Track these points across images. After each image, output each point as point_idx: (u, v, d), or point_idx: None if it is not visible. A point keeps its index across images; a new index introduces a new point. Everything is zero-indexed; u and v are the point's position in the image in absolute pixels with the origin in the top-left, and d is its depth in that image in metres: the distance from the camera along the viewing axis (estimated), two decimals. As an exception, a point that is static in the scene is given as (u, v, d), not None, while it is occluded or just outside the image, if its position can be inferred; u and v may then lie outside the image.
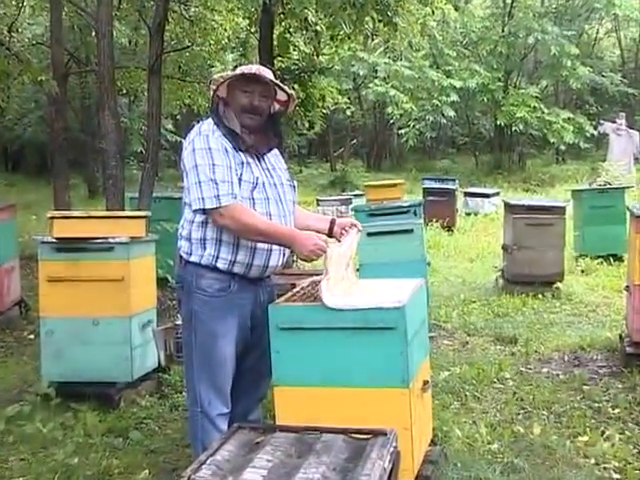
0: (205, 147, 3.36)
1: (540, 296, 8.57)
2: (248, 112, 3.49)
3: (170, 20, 12.65)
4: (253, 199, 3.43)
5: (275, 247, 3.50)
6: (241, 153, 3.43)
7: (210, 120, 3.49)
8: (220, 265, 3.43)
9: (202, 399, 3.48)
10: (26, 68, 9.71)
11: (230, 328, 3.47)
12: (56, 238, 5.31)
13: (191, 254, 3.48)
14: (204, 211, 3.36)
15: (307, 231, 3.49)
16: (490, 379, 5.73)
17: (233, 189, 3.35)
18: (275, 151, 3.66)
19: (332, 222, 3.64)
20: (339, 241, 3.56)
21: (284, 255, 3.60)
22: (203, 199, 3.32)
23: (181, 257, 3.54)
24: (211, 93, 3.53)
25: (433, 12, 12.75)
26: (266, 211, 3.46)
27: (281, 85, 3.63)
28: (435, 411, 4.70)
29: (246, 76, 3.47)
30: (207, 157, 3.34)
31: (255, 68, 3.53)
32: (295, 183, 3.78)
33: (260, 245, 3.45)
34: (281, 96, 3.63)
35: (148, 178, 8.51)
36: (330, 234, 3.61)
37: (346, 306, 3.23)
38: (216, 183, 3.31)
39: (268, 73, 3.55)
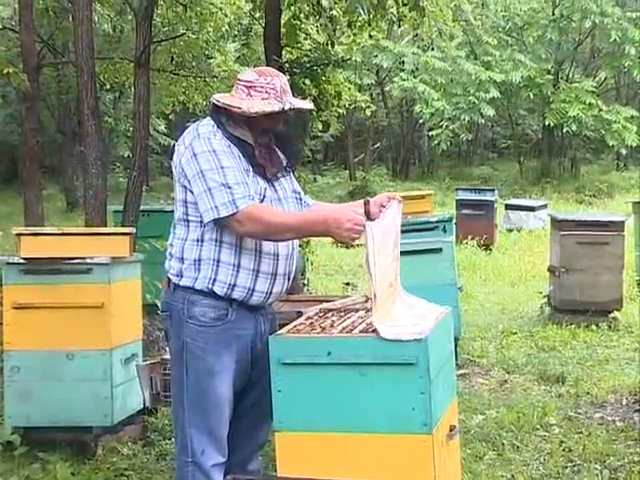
0: (209, 149, 3.40)
1: (593, 327, 8.58)
2: (266, 133, 3.58)
3: (161, 3, 12.79)
4: None
5: (280, 272, 3.54)
6: (246, 160, 3.48)
7: (208, 121, 3.53)
8: (217, 289, 3.46)
9: (194, 447, 3.49)
10: (-10, 58, 9.77)
11: (227, 363, 3.50)
12: (24, 258, 5.34)
13: (182, 277, 3.51)
14: (217, 222, 3.38)
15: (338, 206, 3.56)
16: (532, 425, 5.73)
17: (249, 191, 3.40)
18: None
19: (366, 203, 3.55)
20: None
21: (289, 280, 3.64)
22: (217, 207, 3.34)
23: (169, 280, 3.56)
24: (232, 111, 3.51)
25: (468, -7, 12.83)
26: None
27: (304, 108, 3.70)
28: (466, 462, 4.72)
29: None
30: (213, 160, 3.38)
31: (279, 83, 3.54)
32: (302, 195, 3.82)
33: (264, 268, 3.49)
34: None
35: (135, 188, 8.55)
36: (368, 217, 3.49)
37: (400, 336, 3.25)
38: (229, 187, 3.35)
39: (284, 79, 3.61)
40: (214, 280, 3.46)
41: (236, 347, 3.52)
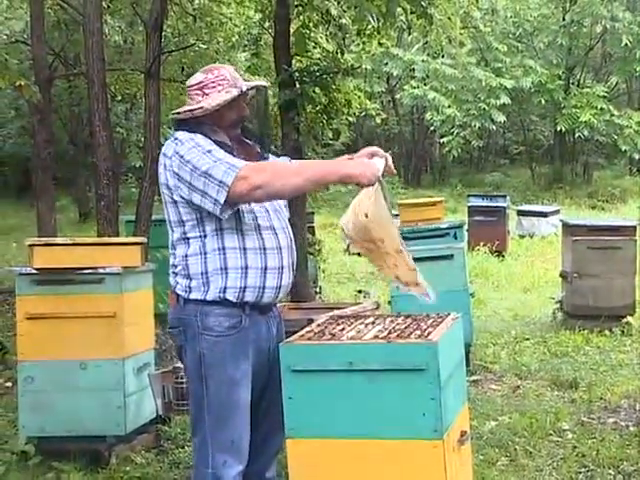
0: (193, 145, 3.40)
1: (606, 332, 8.57)
2: (236, 125, 3.61)
3: (171, 14, 12.86)
4: (254, 212, 3.50)
5: (285, 264, 3.55)
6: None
7: (182, 132, 3.51)
8: (230, 296, 3.45)
9: (215, 459, 3.46)
10: (2, 71, 9.84)
11: (246, 370, 3.50)
12: (37, 269, 5.37)
13: (191, 291, 3.49)
14: (229, 198, 3.31)
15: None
16: (545, 431, 5.73)
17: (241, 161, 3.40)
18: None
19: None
20: None
21: (293, 271, 3.65)
22: (222, 181, 3.30)
23: (178, 295, 3.53)
24: (197, 115, 3.53)
25: (477, 0, 12.83)
26: (269, 224, 3.53)
27: (259, 85, 3.78)
28: (478, 468, 4.71)
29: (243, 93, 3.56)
30: (199, 151, 3.38)
31: (228, 73, 3.58)
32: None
33: (270, 264, 3.49)
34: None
35: (146, 198, 8.60)
36: None
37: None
38: (221, 160, 3.34)
39: (231, 68, 3.66)
40: (225, 288, 3.45)
41: (252, 353, 3.52)
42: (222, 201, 3.32)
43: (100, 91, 8.27)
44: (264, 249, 3.49)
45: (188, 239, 3.48)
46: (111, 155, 8.37)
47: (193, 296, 3.48)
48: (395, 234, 3.38)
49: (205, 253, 3.46)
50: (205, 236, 3.46)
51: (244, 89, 3.55)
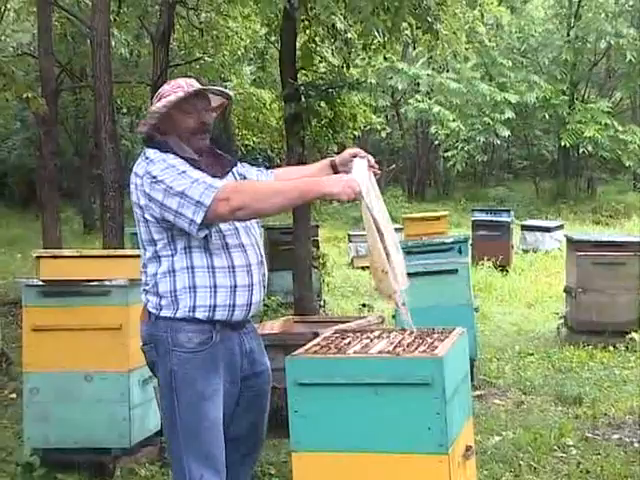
0: (166, 166, 3.39)
1: (611, 348, 8.55)
2: (198, 133, 3.57)
3: (177, 27, 12.93)
4: (222, 231, 3.48)
5: (255, 281, 3.54)
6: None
7: (152, 150, 3.50)
8: (199, 315, 3.44)
9: (192, 474, 3.44)
10: (10, 83, 9.90)
11: (217, 386, 3.49)
12: (43, 281, 5.39)
13: (162, 309, 3.48)
14: (207, 218, 3.31)
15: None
16: (549, 446, 5.71)
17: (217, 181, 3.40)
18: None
19: (333, 166, 3.71)
20: None
21: (265, 287, 3.64)
22: (199, 202, 3.30)
23: (150, 313, 3.52)
24: (151, 123, 3.54)
25: (482, 15, 12.87)
26: (238, 242, 3.51)
27: (217, 89, 3.73)
28: (483, 483, 4.71)
29: (192, 95, 3.55)
30: (173, 172, 3.37)
31: (184, 82, 3.61)
32: (263, 171, 3.88)
33: (240, 282, 3.48)
34: (214, 102, 3.72)
35: (151, 210, 8.61)
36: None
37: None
38: (197, 180, 3.34)
39: (188, 79, 3.67)
40: (194, 307, 3.44)
41: (223, 369, 3.51)
42: (199, 221, 3.32)
43: (107, 103, 8.31)
44: (233, 267, 3.47)
45: (159, 257, 3.47)
46: (117, 167, 8.40)
47: (164, 313, 3.46)
48: (380, 251, 3.42)
49: (174, 271, 3.45)
50: (175, 254, 3.44)
51: (197, 88, 3.54)
